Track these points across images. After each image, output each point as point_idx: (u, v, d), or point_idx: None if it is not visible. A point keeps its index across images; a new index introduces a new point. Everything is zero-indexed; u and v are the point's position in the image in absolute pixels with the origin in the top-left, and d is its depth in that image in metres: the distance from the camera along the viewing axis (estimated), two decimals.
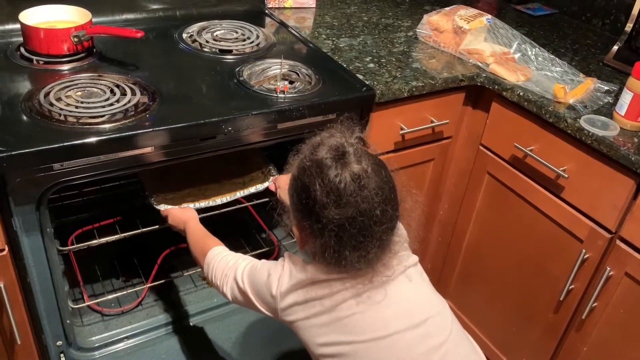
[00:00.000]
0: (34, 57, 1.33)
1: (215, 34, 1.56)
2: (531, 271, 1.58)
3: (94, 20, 1.39)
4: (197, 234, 1.24)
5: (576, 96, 1.42)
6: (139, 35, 1.34)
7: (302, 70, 1.42)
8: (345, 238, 0.89)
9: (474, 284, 1.81)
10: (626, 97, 1.31)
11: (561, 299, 1.47)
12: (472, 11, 1.66)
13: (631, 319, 1.36)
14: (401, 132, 1.52)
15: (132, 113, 1.16)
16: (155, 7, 1.62)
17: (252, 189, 1.45)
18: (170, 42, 1.51)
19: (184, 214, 1.31)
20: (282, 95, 1.29)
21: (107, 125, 1.12)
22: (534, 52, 1.60)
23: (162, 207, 1.36)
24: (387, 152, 1.56)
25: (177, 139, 1.17)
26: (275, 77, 1.36)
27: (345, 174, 0.87)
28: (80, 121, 1.12)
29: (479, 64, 1.58)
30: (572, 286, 1.45)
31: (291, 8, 1.85)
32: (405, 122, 1.53)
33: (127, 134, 1.11)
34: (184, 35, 1.54)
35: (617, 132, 1.31)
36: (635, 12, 1.62)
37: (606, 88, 1.48)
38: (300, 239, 0.98)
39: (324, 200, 0.87)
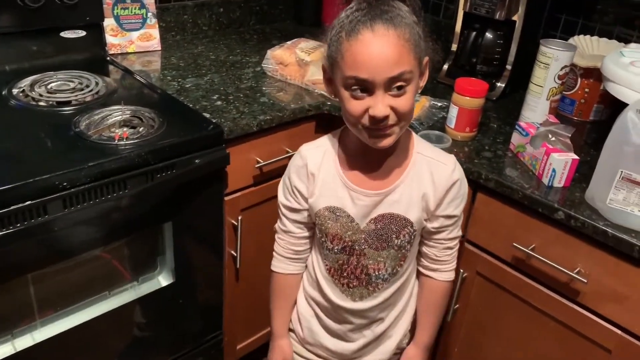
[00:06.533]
0: None
1: (49, 86, 1.48)
2: None
3: None
4: None
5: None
6: None
7: (145, 114, 1.38)
8: None
9: None
10: (453, 111, 1.42)
11: None
12: (313, 43, 1.73)
13: (487, 315, 1.45)
14: (257, 165, 1.53)
15: None
16: None
17: None
18: None
19: None
20: (122, 143, 1.25)
21: None
22: None
23: None
24: (248, 187, 1.56)
25: (6, 202, 1.09)
26: (115, 124, 1.32)
27: None
28: None
29: (325, 93, 1.64)
30: None
31: (135, 53, 1.81)
32: (260, 156, 1.54)
33: None
34: (14, 91, 1.45)
35: (450, 144, 1.41)
36: (457, 31, 1.78)
37: (440, 104, 1.61)
38: None
39: None
